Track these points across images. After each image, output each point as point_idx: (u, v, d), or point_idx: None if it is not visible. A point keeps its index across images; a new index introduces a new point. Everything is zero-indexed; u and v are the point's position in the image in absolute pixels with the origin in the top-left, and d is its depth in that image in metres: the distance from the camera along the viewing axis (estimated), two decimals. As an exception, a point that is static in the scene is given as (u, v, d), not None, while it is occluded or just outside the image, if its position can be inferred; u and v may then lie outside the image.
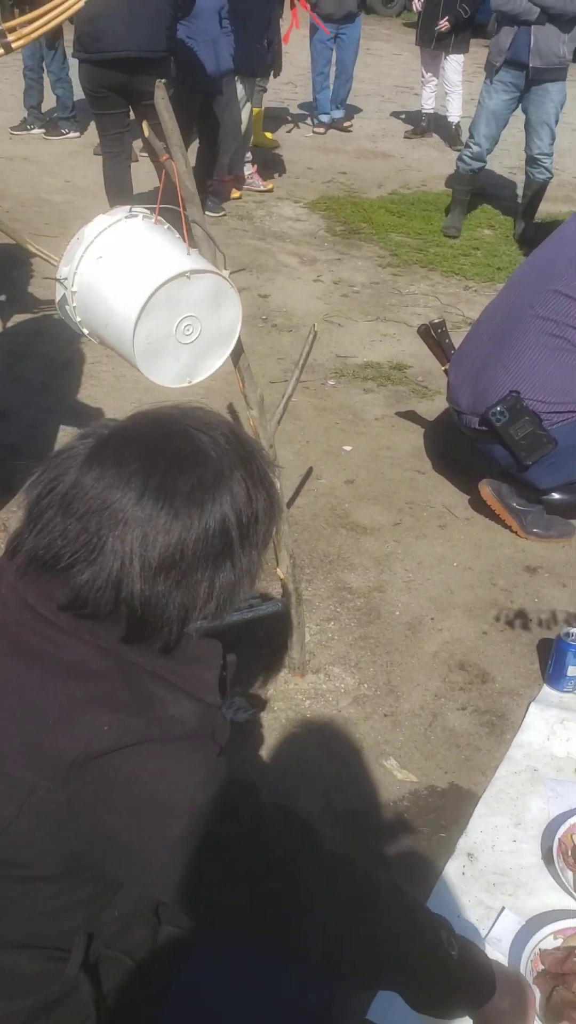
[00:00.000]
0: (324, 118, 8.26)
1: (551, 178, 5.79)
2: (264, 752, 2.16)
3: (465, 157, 5.73)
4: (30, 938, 1.12)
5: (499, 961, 1.61)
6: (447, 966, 1.17)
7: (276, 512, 1.14)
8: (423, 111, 8.38)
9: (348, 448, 3.48)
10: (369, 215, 6.13)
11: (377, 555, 2.88)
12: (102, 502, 1.00)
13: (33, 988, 1.12)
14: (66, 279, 1.93)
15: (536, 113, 5.44)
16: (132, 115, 4.70)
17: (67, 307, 1.97)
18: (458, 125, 7.95)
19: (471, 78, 8.44)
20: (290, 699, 2.31)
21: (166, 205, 1.95)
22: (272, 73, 6.55)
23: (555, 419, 2.75)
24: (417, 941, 1.15)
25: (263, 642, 2.42)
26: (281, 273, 5.12)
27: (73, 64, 5.04)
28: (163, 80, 1.91)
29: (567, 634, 2.31)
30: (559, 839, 1.88)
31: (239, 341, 2.05)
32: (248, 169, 6.37)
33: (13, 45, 2.35)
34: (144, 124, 2.04)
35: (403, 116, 9.02)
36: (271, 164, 7.04)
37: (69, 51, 5.20)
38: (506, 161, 7.12)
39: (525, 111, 5.49)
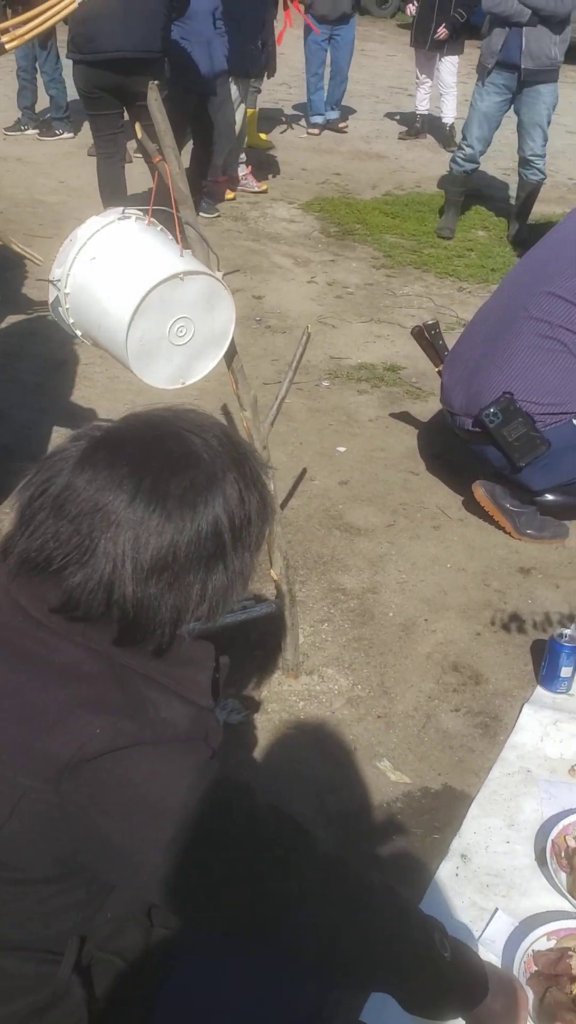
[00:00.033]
0: (318, 119, 8.27)
1: (544, 179, 5.80)
2: (257, 754, 2.16)
3: (458, 159, 5.74)
4: (22, 941, 1.12)
5: (492, 962, 1.61)
6: (440, 967, 1.17)
7: (269, 514, 1.14)
8: (417, 112, 8.39)
9: (342, 449, 3.49)
10: (363, 216, 6.14)
11: (371, 556, 2.89)
12: (94, 504, 1.00)
13: (25, 991, 1.12)
14: (59, 281, 1.93)
15: (528, 115, 5.45)
16: (126, 116, 4.70)
17: (60, 309, 1.97)
18: (452, 126, 7.97)
19: (466, 79, 8.45)
20: (284, 701, 2.31)
21: (159, 207, 1.95)
22: (266, 74, 6.55)
23: (548, 420, 2.76)
24: (410, 942, 1.15)
25: (256, 644, 2.42)
26: (275, 274, 5.13)
27: (66, 64, 5.04)
28: (156, 81, 1.91)
29: (560, 635, 2.31)
30: (552, 840, 1.89)
31: (232, 342, 2.05)
32: (242, 170, 6.38)
33: (7, 46, 2.35)
34: (136, 125, 2.04)
35: (397, 117, 9.03)
36: (265, 165, 7.04)
37: (62, 51, 5.20)
38: (500, 162, 7.13)
39: (517, 113, 5.50)
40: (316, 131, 8.24)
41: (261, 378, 3.84)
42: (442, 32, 7.34)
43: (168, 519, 1.01)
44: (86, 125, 5.90)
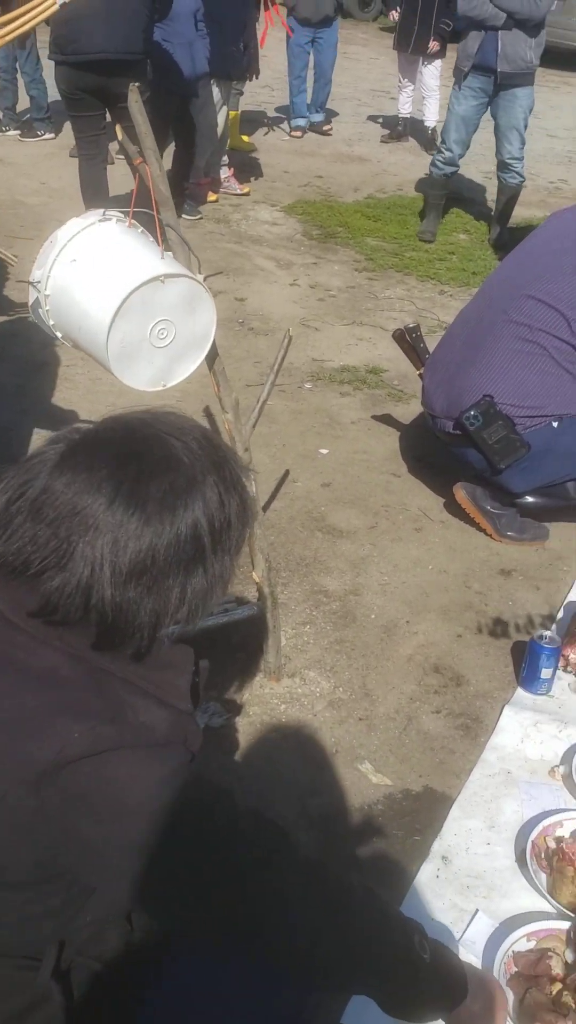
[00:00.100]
0: (301, 122, 8.27)
1: (523, 182, 5.83)
2: (239, 757, 2.15)
3: (438, 162, 5.76)
4: (0, 946, 1.11)
5: (472, 964, 1.62)
6: (419, 969, 1.17)
7: (249, 517, 1.14)
8: (400, 115, 8.41)
9: (324, 451, 3.49)
10: (345, 219, 6.15)
11: (353, 558, 2.89)
12: (72, 508, 1.00)
13: (3, 996, 1.12)
14: (39, 282, 1.92)
15: (505, 118, 5.48)
16: (108, 117, 4.69)
17: (40, 310, 1.97)
18: (435, 130, 7.99)
19: (448, 83, 8.46)
20: (265, 703, 2.31)
21: (140, 209, 1.95)
22: (249, 76, 6.56)
23: (528, 423, 2.77)
24: (389, 944, 1.16)
25: (238, 646, 2.42)
26: (257, 277, 5.13)
27: (47, 65, 5.02)
28: (136, 84, 1.91)
29: (540, 637, 2.32)
30: (532, 841, 1.89)
31: (214, 345, 2.05)
32: (224, 172, 6.37)
33: (-14, 47, 2.33)
34: (117, 127, 2.03)
35: (380, 120, 9.06)
36: (248, 168, 7.04)
37: (43, 52, 5.18)
38: (481, 166, 7.17)
39: (494, 116, 5.53)
40: (298, 134, 8.25)
41: (244, 380, 3.84)
42: (433, 46, 7.40)
43: (147, 523, 1.00)
44: (67, 126, 5.89)
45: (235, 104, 6.86)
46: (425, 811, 2.05)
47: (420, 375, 3.20)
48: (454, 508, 3.09)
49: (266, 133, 8.28)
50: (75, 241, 1.92)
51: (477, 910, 1.79)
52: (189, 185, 5.74)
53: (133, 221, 1.98)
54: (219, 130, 6.01)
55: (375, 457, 3.49)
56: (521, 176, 5.76)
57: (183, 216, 5.64)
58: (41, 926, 1.10)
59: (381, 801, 2.07)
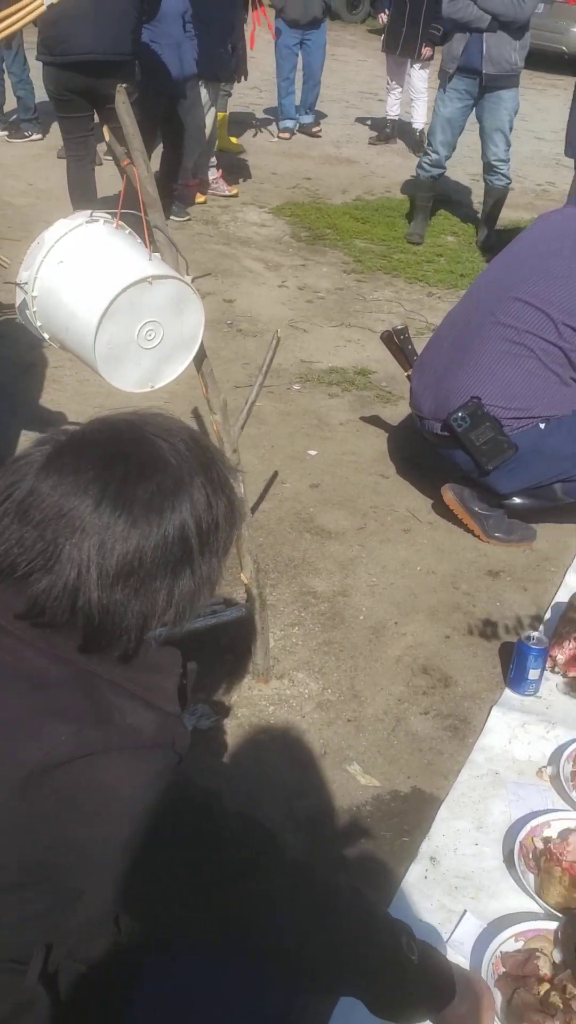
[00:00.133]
0: (289, 123, 8.28)
1: (509, 184, 5.86)
2: (227, 759, 2.15)
3: (424, 164, 5.78)
4: (-13, 951, 1.11)
5: (461, 964, 1.62)
6: (407, 970, 1.17)
7: (237, 519, 1.14)
8: (388, 117, 8.43)
9: (313, 453, 3.49)
10: (334, 221, 6.16)
11: (341, 559, 2.89)
12: (59, 510, 0.99)
13: (-10, 1001, 1.11)
14: (26, 283, 1.92)
15: (490, 120, 5.51)
16: (96, 118, 4.68)
17: (28, 312, 1.96)
18: (423, 132, 8.01)
19: (436, 85, 8.52)
20: (254, 705, 2.31)
21: (127, 210, 1.94)
22: (237, 78, 6.56)
23: (515, 425, 2.78)
24: (377, 946, 1.16)
25: (227, 648, 2.42)
26: (246, 278, 5.13)
27: (34, 65, 5.01)
28: (124, 85, 1.91)
29: (528, 638, 2.33)
30: (520, 842, 1.90)
31: (202, 346, 2.05)
32: (213, 174, 6.37)
33: (-27, 47, 2.33)
34: (104, 128, 2.03)
35: (368, 122, 9.07)
36: (236, 169, 7.04)
37: (29, 52, 5.16)
38: (469, 168, 7.19)
39: (479, 119, 5.56)
40: (287, 135, 8.26)
41: (232, 381, 3.84)
42: (427, 52, 7.43)
43: (134, 524, 1.00)
44: (55, 126, 5.87)
45: (223, 105, 6.86)
46: (413, 812, 2.05)
47: (408, 377, 3.21)
48: (442, 509, 3.09)
49: (255, 135, 8.28)
50: (62, 242, 1.91)
51: (465, 911, 1.80)
52: (177, 186, 5.74)
53: (120, 222, 1.97)
54: (207, 131, 6.01)
55: (363, 458, 3.49)
56: (507, 178, 5.78)
57: (171, 217, 5.63)
58: (28, 929, 1.10)
59: (369, 802, 2.07)
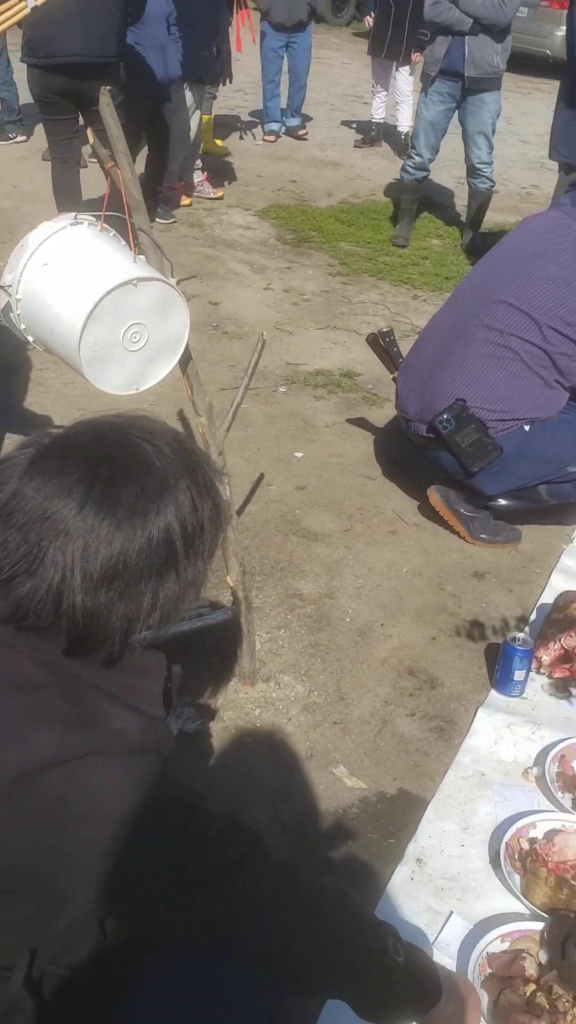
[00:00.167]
0: (274, 126, 8.29)
1: (493, 186, 5.88)
2: (213, 762, 2.15)
3: (408, 167, 5.81)
4: (-30, 957, 1.10)
5: (447, 965, 1.62)
6: (393, 972, 1.17)
7: (222, 521, 1.14)
8: (373, 120, 8.45)
9: (299, 455, 3.49)
10: (319, 224, 6.16)
11: (328, 561, 2.89)
12: (42, 512, 0.99)
13: (-26, 1008, 1.11)
14: (10, 286, 1.91)
15: (473, 123, 5.54)
16: (81, 120, 4.67)
17: (11, 314, 1.96)
18: (408, 135, 8.03)
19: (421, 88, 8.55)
20: (240, 708, 2.30)
21: (112, 213, 1.94)
22: (222, 81, 6.56)
23: (500, 427, 2.79)
24: (362, 948, 1.16)
25: (212, 651, 2.41)
26: (231, 281, 5.13)
27: (18, 67, 4.99)
28: (108, 87, 1.90)
29: (513, 639, 2.34)
30: (506, 843, 1.90)
31: (187, 348, 2.05)
32: (198, 176, 6.37)
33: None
34: (89, 131, 2.03)
35: (354, 125, 9.09)
36: (221, 171, 7.04)
37: (13, 54, 5.15)
38: (454, 171, 7.21)
39: (462, 122, 5.59)
40: (272, 138, 8.27)
41: (218, 384, 3.84)
42: (416, 57, 7.46)
43: (118, 527, 1.00)
44: (39, 128, 5.85)
45: (208, 108, 6.86)
46: (399, 814, 2.05)
47: (394, 379, 3.22)
48: (428, 511, 3.10)
49: (241, 137, 8.28)
50: (46, 245, 1.91)
51: (451, 912, 1.80)
52: (162, 189, 5.74)
53: (105, 225, 1.97)
54: (192, 134, 6.01)
55: (350, 460, 3.49)
56: (491, 181, 5.81)
57: (157, 220, 5.63)
58: (12, 935, 1.09)
59: (356, 804, 2.07)
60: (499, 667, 2.38)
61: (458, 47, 5.21)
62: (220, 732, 2.22)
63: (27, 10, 2.36)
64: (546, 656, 2.42)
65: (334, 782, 2.12)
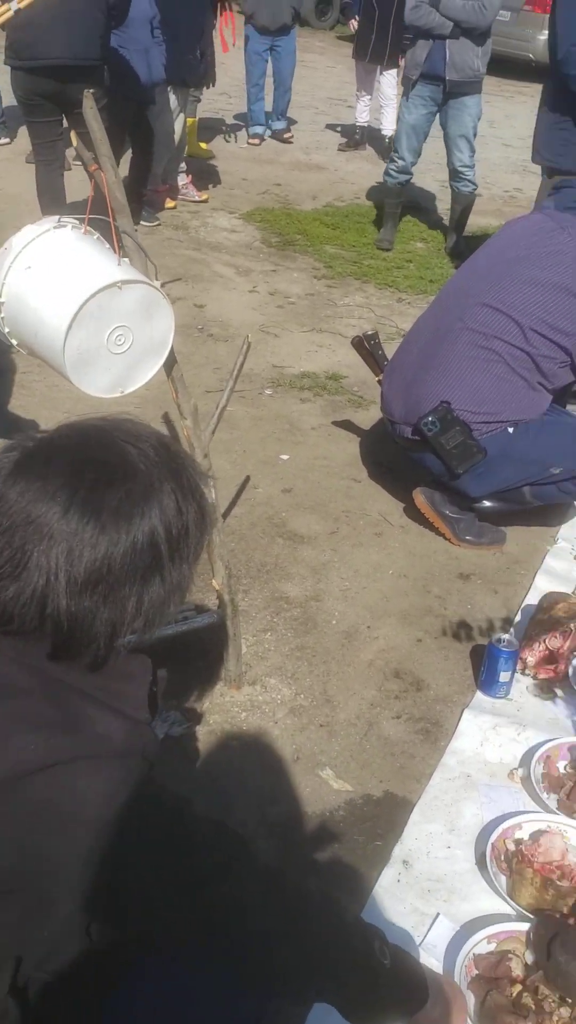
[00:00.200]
0: (259, 129, 8.29)
1: (476, 190, 5.91)
2: (199, 765, 2.14)
3: (391, 171, 5.83)
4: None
5: (434, 967, 1.63)
6: (379, 975, 1.17)
7: (207, 524, 1.14)
8: (357, 124, 8.47)
9: (285, 457, 3.49)
10: (304, 227, 6.17)
11: (314, 564, 2.90)
12: (26, 516, 0.98)
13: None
14: (-6, 289, 1.90)
15: (454, 127, 5.56)
16: (65, 123, 4.66)
17: (-5, 317, 1.95)
18: (392, 138, 8.06)
19: (404, 93, 8.57)
20: (226, 712, 2.30)
21: (96, 216, 1.94)
22: (206, 84, 6.56)
23: (484, 429, 2.80)
24: (348, 950, 1.16)
25: (198, 654, 2.41)
26: (217, 283, 5.12)
27: (2, 70, 4.98)
28: (91, 90, 1.90)
29: (499, 640, 2.34)
30: (492, 844, 1.91)
31: (172, 351, 2.05)
32: (183, 179, 6.37)
33: None
34: (72, 133, 2.03)
35: (338, 129, 9.11)
36: (206, 175, 7.04)
37: (-2, 57, 5.13)
38: (438, 175, 7.24)
39: (443, 126, 5.61)
40: (256, 141, 8.27)
41: (203, 386, 3.83)
42: (401, 61, 7.46)
43: (103, 531, 1.00)
44: (23, 131, 5.83)
45: (193, 111, 6.86)
46: (386, 816, 2.06)
47: (379, 381, 3.22)
48: (414, 513, 3.11)
49: (227, 140, 8.28)
50: (30, 248, 1.90)
51: (438, 914, 1.80)
52: (147, 192, 5.73)
53: (89, 228, 1.97)
54: (176, 137, 6.01)
55: (335, 463, 3.50)
56: (473, 184, 5.83)
57: (141, 223, 5.62)
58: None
59: (342, 807, 2.07)
60: (484, 668, 2.39)
61: (439, 51, 5.23)
62: (206, 736, 2.22)
63: (10, 12, 2.35)
64: (531, 657, 2.43)
65: (320, 785, 2.12)
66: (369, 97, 8.21)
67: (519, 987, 1.61)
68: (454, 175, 5.79)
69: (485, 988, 1.61)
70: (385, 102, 8.03)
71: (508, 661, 2.33)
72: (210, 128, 8.34)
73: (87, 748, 1.00)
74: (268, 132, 8.45)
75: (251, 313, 4.79)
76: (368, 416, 3.83)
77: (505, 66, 12.04)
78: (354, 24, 7.97)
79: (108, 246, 1.96)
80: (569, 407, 3.26)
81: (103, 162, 1.90)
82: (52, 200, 4.76)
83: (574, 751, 2.17)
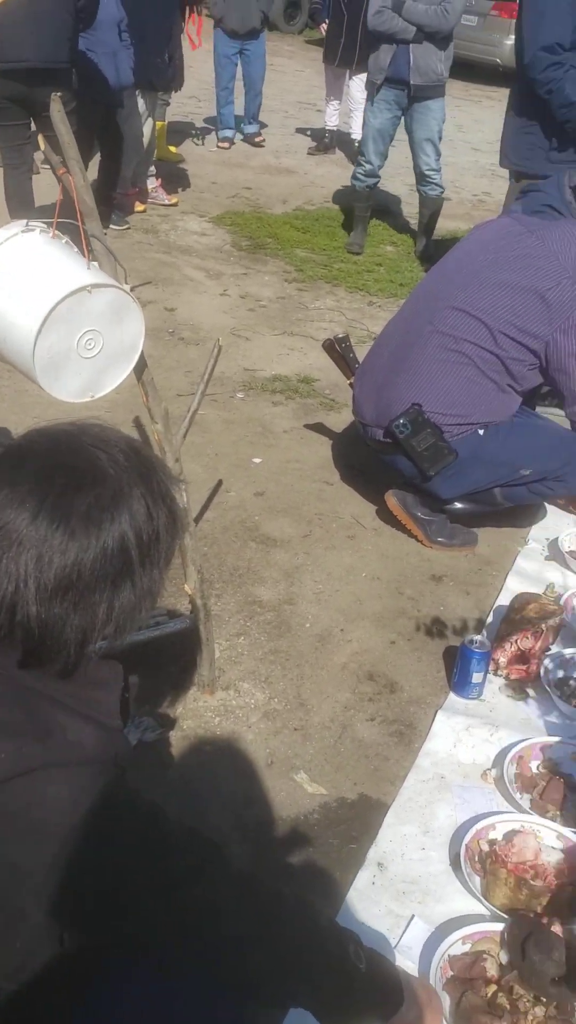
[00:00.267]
0: (228, 133, 8.30)
1: (443, 192, 5.95)
2: (173, 771, 2.13)
3: (359, 175, 5.86)
4: None
5: (409, 969, 1.63)
6: (354, 979, 1.17)
7: (178, 529, 1.13)
8: (327, 128, 8.50)
9: (257, 460, 3.49)
10: (274, 230, 6.18)
11: (287, 567, 2.89)
12: (-5, 523, 0.98)
13: None
14: (-39, 293, 1.88)
15: (420, 131, 5.60)
16: (33, 126, 4.63)
17: (-37, 322, 1.92)
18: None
19: (373, 97, 8.60)
20: (199, 717, 2.29)
21: (64, 219, 1.93)
22: (175, 87, 6.55)
23: (455, 431, 2.82)
24: (322, 954, 1.16)
25: (171, 660, 2.40)
26: (187, 287, 5.11)
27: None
28: (59, 93, 1.89)
29: (471, 641, 2.35)
30: (466, 845, 1.92)
31: (142, 355, 2.04)
32: (152, 183, 6.35)
33: None
34: (40, 137, 2.02)
35: (307, 132, 9.13)
36: (175, 178, 7.03)
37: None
38: (407, 179, 7.26)
39: (409, 130, 5.65)
40: (226, 145, 8.27)
41: (175, 390, 3.82)
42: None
43: (72, 537, 0.99)
44: (-9, 134, 5.79)
45: (162, 115, 6.85)
46: (360, 819, 2.06)
47: (350, 384, 3.23)
48: (386, 515, 3.12)
49: (197, 144, 8.27)
50: (-2, 251, 1.89)
51: (413, 915, 1.81)
52: (116, 195, 5.71)
53: (57, 232, 1.95)
54: (145, 140, 5.99)
55: (308, 465, 3.50)
56: (440, 187, 5.87)
57: (111, 226, 5.60)
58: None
59: (317, 810, 2.07)
60: (457, 670, 2.40)
61: (403, 55, 5.27)
62: (180, 741, 2.21)
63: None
64: (503, 658, 2.44)
65: (295, 788, 2.12)
66: (338, 101, 8.24)
67: (494, 987, 1.62)
68: (421, 179, 5.83)
69: (460, 989, 1.61)
70: (354, 106, 8.07)
71: (480, 662, 2.35)
72: (179, 132, 8.33)
73: (59, 756, 0.99)
74: (240, 136, 8.46)
75: (222, 316, 4.79)
76: (340, 419, 3.84)
77: (472, 70, 12.16)
78: (323, 28, 8.00)
79: (77, 250, 1.95)
80: (538, 409, 3.30)
81: (71, 166, 1.88)
82: (20, 204, 4.73)
83: (546, 751, 2.19)
